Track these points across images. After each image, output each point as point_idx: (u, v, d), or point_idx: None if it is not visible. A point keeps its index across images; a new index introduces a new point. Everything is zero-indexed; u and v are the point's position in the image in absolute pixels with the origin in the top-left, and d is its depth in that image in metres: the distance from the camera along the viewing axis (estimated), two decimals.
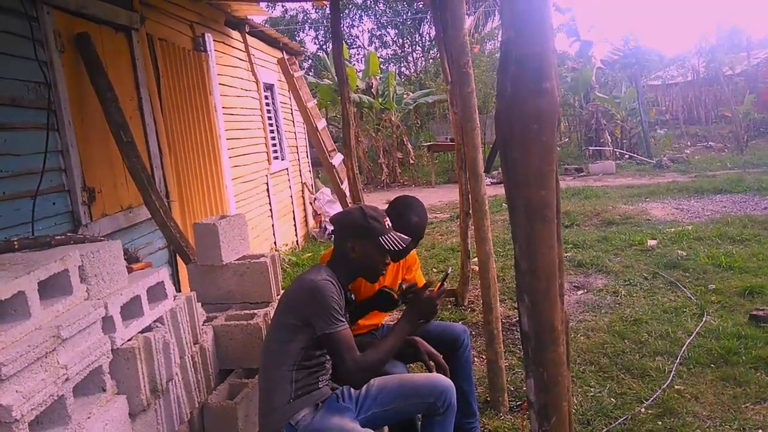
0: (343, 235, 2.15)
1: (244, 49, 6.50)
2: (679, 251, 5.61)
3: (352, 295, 2.19)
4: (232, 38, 6.19)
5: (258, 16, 6.82)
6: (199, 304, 2.59)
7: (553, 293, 1.35)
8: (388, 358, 2.09)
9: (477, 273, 3.47)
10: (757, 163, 11.88)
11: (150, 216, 3.48)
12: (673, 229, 6.50)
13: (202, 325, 2.59)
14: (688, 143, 16.75)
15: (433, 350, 2.34)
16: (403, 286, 2.38)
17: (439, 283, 2.28)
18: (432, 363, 2.32)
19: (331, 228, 2.35)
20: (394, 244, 2.10)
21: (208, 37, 5.21)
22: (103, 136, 3.37)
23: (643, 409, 2.99)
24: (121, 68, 3.73)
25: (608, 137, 14.72)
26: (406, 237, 2.15)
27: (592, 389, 3.24)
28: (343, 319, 1.99)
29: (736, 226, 6.37)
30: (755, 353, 3.42)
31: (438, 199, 11.31)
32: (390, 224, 2.16)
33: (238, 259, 2.93)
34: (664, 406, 2.98)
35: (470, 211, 3.82)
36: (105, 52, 3.44)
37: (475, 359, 3.72)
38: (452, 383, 2.22)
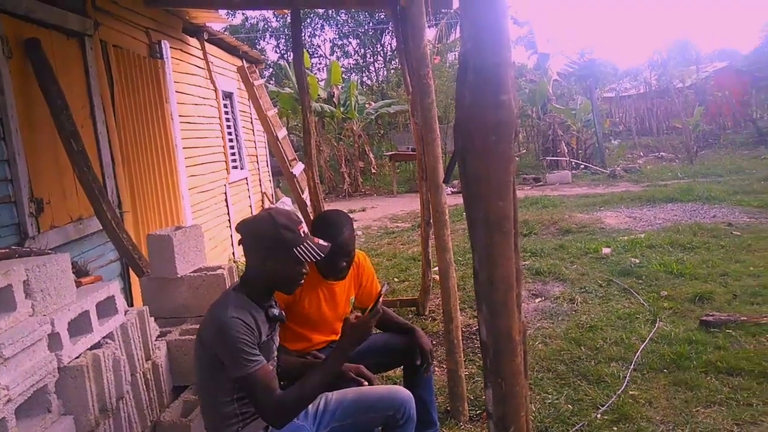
0: (253, 247, 1.93)
1: (202, 57, 6.41)
2: (633, 259, 5.76)
3: (276, 311, 1.98)
4: (190, 45, 6.09)
5: (217, 23, 6.74)
6: (152, 318, 2.52)
7: (510, 304, 1.36)
8: (315, 396, 1.93)
9: (438, 282, 3.48)
10: (706, 173, 12.33)
11: (101, 227, 3.37)
12: (626, 237, 6.67)
13: (155, 340, 2.52)
14: (641, 154, 17.31)
15: (354, 367, 2.22)
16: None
17: (371, 305, 2.12)
18: (360, 379, 2.21)
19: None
20: (311, 254, 1.91)
21: (165, 44, 5.11)
22: (53, 144, 3.25)
23: (599, 415, 3.04)
24: (73, 75, 3.62)
25: (565, 148, 15.08)
26: (325, 244, 1.98)
27: (549, 396, 3.28)
28: (256, 358, 1.80)
29: (686, 234, 6.57)
30: (705, 358, 3.52)
31: (400, 208, 11.35)
32: (306, 231, 1.95)
33: (193, 272, 2.87)
34: (619, 411, 3.03)
35: (431, 221, 3.84)
36: (56, 59, 3.33)
37: (436, 369, 3.72)
38: (411, 395, 2.21)
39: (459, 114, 1.39)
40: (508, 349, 1.36)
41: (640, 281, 5.13)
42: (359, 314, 2.16)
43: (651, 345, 3.80)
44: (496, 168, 1.33)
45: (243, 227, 1.96)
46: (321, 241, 1.97)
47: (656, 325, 4.11)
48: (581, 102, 15.64)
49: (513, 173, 1.38)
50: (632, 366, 3.53)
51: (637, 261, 5.67)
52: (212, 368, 1.85)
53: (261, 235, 1.90)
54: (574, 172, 13.99)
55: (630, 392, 3.24)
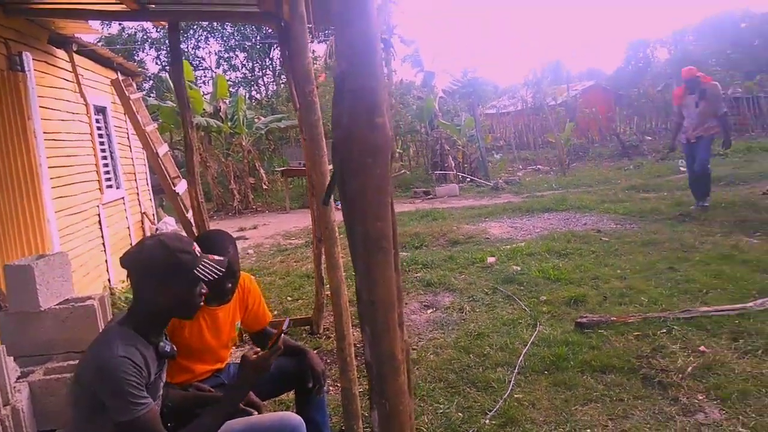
0: (147, 278, 1.81)
1: (71, 70, 5.96)
2: (515, 267, 6.07)
3: (168, 347, 1.90)
4: (57, 57, 5.65)
5: (88, 34, 6.31)
6: (11, 358, 2.27)
7: (392, 324, 1.36)
8: None
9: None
10: (578, 183, 13.35)
11: None
12: (508, 247, 7.02)
13: (15, 382, 2.27)
14: (520, 166, 18.40)
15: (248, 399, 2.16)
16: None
17: (271, 343, 2.07)
18: (248, 408, 2.15)
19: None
20: (212, 271, 1.86)
21: (27, 56, 4.69)
22: None
23: (487, 421, 3.14)
24: None
25: (452, 162, 15.70)
26: (220, 258, 1.94)
27: (441, 406, 3.35)
28: (143, 401, 1.69)
29: (561, 242, 7.03)
30: (581, 358, 3.76)
31: (293, 224, 11.19)
32: (199, 249, 1.91)
33: (59, 304, 2.63)
34: (505, 415, 3.16)
35: (323, 237, 3.80)
36: None
37: (330, 387, 3.68)
38: (302, 420, 2.16)
39: (336, 135, 1.39)
40: (391, 369, 1.36)
41: (522, 288, 5.41)
42: (259, 349, 2.09)
43: (533, 348, 4.00)
44: (373, 189, 1.33)
45: (131, 260, 1.83)
46: (215, 257, 1.92)
47: (537, 329, 4.34)
48: (465, 118, 16.39)
49: (390, 193, 1.39)
50: (516, 370, 3.69)
51: (519, 268, 5.98)
52: (92, 411, 1.69)
53: (156, 263, 1.80)
54: (461, 185, 14.58)
55: (515, 396, 3.39)
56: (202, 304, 1.93)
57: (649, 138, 21.36)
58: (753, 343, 3.72)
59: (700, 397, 3.18)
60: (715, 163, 12.74)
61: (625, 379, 3.46)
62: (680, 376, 3.39)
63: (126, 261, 1.84)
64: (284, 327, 2.14)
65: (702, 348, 3.72)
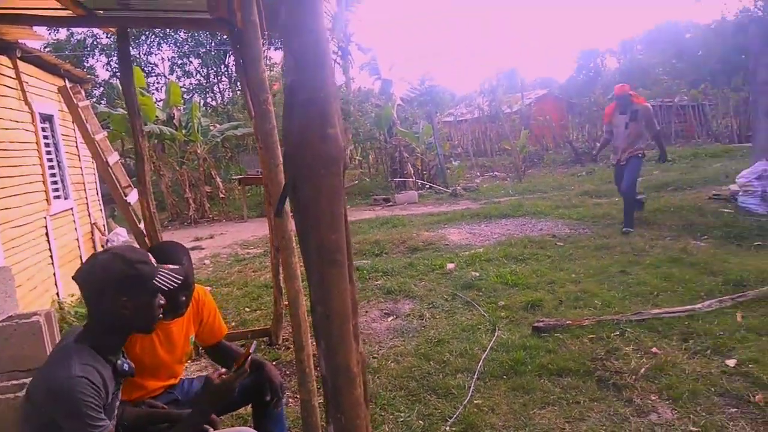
0: (104, 293, 1.76)
1: (14, 77, 5.73)
2: (473, 272, 6.13)
3: (126, 365, 1.86)
4: (0, 64, 5.43)
5: (33, 40, 6.08)
6: None
7: (347, 337, 1.35)
8: None
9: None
10: (533, 189, 13.60)
11: None
12: (467, 252, 7.09)
13: None
14: (478, 173, 18.67)
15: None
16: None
17: (237, 365, 2.04)
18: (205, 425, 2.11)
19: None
20: (171, 280, 1.85)
21: None
22: None
23: (447, 428, 3.15)
24: None
25: (411, 169, 15.80)
26: (176, 266, 1.93)
27: (402, 414, 3.34)
28: (101, 423, 1.65)
29: (518, 247, 7.14)
30: (538, 361, 3.81)
31: (251, 233, 11.03)
32: (154, 259, 1.88)
33: (2, 320, 2.51)
34: (465, 421, 3.17)
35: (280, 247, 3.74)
36: None
37: (290, 400, 3.63)
38: None
39: (288, 146, 1.37)
40: (346, 382, 1.34)
41: (481, 293, 5.46)
42: (226, 371, 2.04)
43: (491, 353, 4.04)
44: (326, 200, 1.32)
45: (86, 276, 1.77)
46: (170, 266, 1.90)
47: (495, 334, 4.38)
48: (423, 126, 16.54)
49: (344, 205, 1.38)
50: (476, 375, 3.71)
51: (477, 274, 6.04)
52: (43, 431, 1.63)
53: (115, 277, 1.75)
54: (420, 192, 14.68)
55: (475, 401, 3.40)
56: (161, 315, 1.90)
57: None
58: (702, 344, 3.85)
59: (653, 398, 3.27)
60: (664, 168, 13.29)
61: (581, 381, 3.52)
62: (633, 377, 3.48)
63: (80, 277, 1.78)
64: (251, 349, 2.11)
65: (654, 349, 3.82)
